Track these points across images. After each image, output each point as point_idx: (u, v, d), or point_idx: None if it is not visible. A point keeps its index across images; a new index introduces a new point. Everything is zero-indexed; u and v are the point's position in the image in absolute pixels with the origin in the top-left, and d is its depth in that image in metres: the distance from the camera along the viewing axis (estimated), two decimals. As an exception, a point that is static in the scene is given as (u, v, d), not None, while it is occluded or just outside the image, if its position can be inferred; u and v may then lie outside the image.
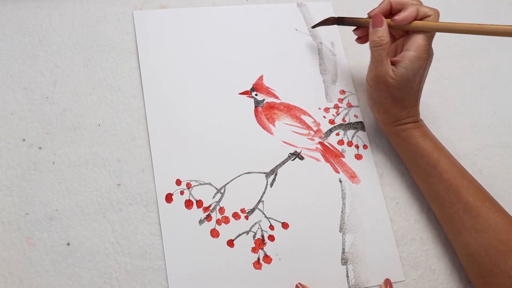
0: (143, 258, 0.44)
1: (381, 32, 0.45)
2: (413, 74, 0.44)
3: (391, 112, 0.47)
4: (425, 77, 0.47)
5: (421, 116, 0.54)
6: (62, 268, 0.43)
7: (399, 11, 0.45)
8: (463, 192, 0.44)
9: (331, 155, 0.50)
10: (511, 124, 0.56)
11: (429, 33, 0.44)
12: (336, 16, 0.52)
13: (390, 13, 0.46)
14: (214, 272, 0.44)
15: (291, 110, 0.51)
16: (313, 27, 0.54)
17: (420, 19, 0.44)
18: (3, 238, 0.43)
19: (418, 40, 0.44)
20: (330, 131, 0.51)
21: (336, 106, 0.53)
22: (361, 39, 0.50)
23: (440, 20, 0.45)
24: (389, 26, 0.45)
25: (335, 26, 0.55)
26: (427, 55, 0.44)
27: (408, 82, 0.44)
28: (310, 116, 0.52)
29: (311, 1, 0.57)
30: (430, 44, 0.45)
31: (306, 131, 0.51)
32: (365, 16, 0.48)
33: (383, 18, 0.45)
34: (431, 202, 0.48)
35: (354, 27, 0.50)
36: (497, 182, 0.53)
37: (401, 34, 0.47)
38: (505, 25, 0.41)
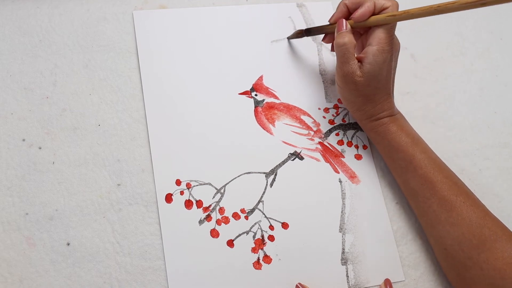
0: (143, 258, 0.44)
1: (345, 33, 0.45)
2: (378, 69, 0.44)
3: (364, 109, 0.47)
4: (394, 69, 0.47)
5: (420, 117, 0.54)
6: (62, 268, 0.43)
7: (357, 9, 0.45)
8: (437, 186, 0.44)
9: (331, 155, 0.50)
10: (511, 124, 0.56)
11: (389, 25, 0.44)
12: (304, 28, 0.52)
13: (349, 13, 0.46)
14: (214, 272, 0.44)
15: (291, 110, 0.51)
16: (289, 38, 0.54)
17: (379, 13, 0.44)
18: (3, 238, 0.43)
19: (378, 34, 0.44)
20: (330, 131, 0.51)
21: (335, 106, 0.53)
22: (332, 47, 0.51)
23: (401, 9, 0.44)
24: (352, 26, 0.46)
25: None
26: (390, 47, 0.44)
27: (375, 77, 0.44)
28: (310, 116, 0.52)
29: (311, 1, 0.57)
30: (392, 36, 0.44)
31: (306, 131, 0.51)
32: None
33: (344, 20, 0.46)
34: (407, 197, 0.48)
35: (322, 39, 0.51)
36: (497, 182, 0.53)
37: (365, 30, 0.47)
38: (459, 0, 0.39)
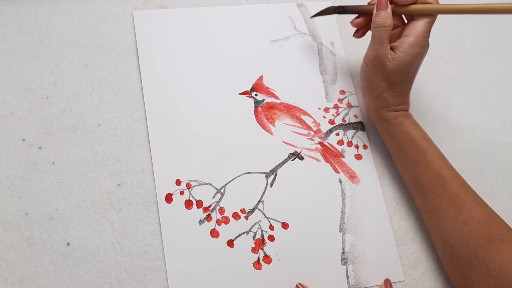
0: (143, 258, 0.44)
1: (385, 14, 0.45)
2: (411, 59, 0.44)
3: (384, 96, 0.47)
4: (419, 67, 0.47)
5: (421, 116, 0.54)
6: (62, 268, 0.43)
7: None
8: (448, 183, 0.44)
9: (331, 155, 0.50)
10: (511, 124, 0.56)
11: (429, 20, 0.45)
12: (335, 5, 0.51)
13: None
14: (214, 272, 0.44)
15: (291, 110, 0.51)
16: (312, 17, 0.54)
17: (421, 3, 0.45)
18: (3, 238, 0.43)
19: (417, 27, 0.45)
20: (330, 131, 0.51)
21: (336, 106, 0.53)
22: (359, 33, 0.50)
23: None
24: (392, 11, 0.46)
25: (335, 25, 0.54)
26: (426, 42, 0.45)
27: (405, 67, 0.45)
28: (310, 116, 0.52)
29: (311, 1, 0.57)
30: (429, 32, 0.45)
31: (306, 131, 0.51)
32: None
33: (387, 1, 0.46)
34: (414, 192, 0.48)
35: (353, 19, 0.49)
36: (497, 182, 0.53)
37: (400, 24, 0.47)
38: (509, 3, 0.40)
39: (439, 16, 0.45)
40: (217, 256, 0.44)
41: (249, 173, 0.48)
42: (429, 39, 0.45)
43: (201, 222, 0.45)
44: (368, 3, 0.48)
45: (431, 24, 0.45)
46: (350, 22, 0.50)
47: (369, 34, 0.52)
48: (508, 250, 0.41)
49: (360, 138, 0.52)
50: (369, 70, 0.47)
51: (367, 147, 0.51)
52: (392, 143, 0.49)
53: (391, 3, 0.46)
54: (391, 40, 0.47)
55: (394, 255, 0.47)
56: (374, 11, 0.46)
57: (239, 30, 0.54)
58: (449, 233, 0.44)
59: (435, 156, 0.45)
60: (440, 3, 0.45)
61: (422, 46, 0.45)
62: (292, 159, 0.49)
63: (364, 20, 0.49)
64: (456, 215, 0.43)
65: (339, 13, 0.50)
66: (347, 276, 0.46)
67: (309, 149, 0.50)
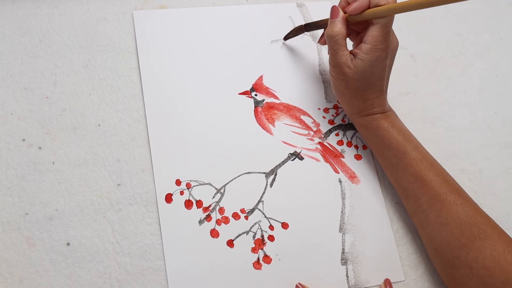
0: (143, 258, 0.44)
1: (335, 23, 0.45)
2: (369, 65, 0.44)
3: (353, 103, 0.47)
4: (390, 67, 0.46)
5: (421, 117, 0.54)
6: (62, 268, 0.43)
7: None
8: (428, 185, 0.44)
9: (330, 155, 0.50)
10: (511, 124, 0.56)
11: (384, 22, 0.43)
12: (302, 24, 0.52)
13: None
14: (214, 272, 0.44)
15: (290, 110, 0.51)
16: (285, 39, 0.54)
17: (374, 6, 0.43)
18: (3, 238, 0.43)
19: (373, 32, 0.43)
20: (330, 131, 0.51)
21: (335, 107, 0.53)
22: (322, 41, 0.50)
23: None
24: (347, 20, 0.45)
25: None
26: (384, 45, 0.43)
27: (365, 73, 0.44)
28: (309, 116, 0.52)
29: (311, 1, 0.57)
30: (386, 34, 0.43)
31: (306, 132, 0.51)
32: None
33: (339, 9, 0.45)
34: (400, 196, 0.48)
35: (319, 39, 0.50)
36: (497, 182, 0.53)
37: (363, 27, 0.46)
38: None
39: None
40: (217, 256, 0.44)
41: (249, 173, 0.48)
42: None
43: (201, 222, 0.45)
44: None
45: (387, 26, 0.43)
46: (318, 42, 0.51)
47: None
48: (491, 249, 0.41)
49: (359, 138, 0.52)
50: (333, 79, 0.47)
51: (366, 147, 0.51)
52: (372, 147, 0.49)
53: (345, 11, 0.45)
54: (355, 46, 0.47)
55: (394, 255, 0.47)
56: (329, 22, 0.46)
57: (239, 30, 0.54)
58: (431, 236, 0.44)
59: (413, 158, 0.45)
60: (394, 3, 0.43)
61: (381, 50, 0.43)
62: (292, 159, 0.49)
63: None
64: (437, 217, 0.43)
65: (307, 30, 0.51)
66: (347, 276, 0.46)
67: (309, 149, 0.50)
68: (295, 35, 0.53)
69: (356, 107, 0.47)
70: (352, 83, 0.45)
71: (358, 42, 0.48)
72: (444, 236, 0.43)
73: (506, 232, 0.42)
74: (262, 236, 0.46)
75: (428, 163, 0.45)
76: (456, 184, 0.45)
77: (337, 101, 0.52)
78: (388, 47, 0.44)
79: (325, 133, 0.51)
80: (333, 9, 0.45)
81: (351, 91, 0.46)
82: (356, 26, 0.47)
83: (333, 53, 0.45)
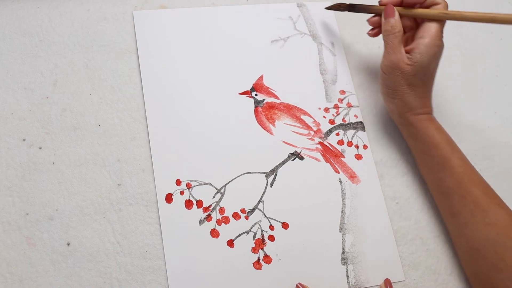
0: (143, 258, 0.44)
1: (393, 22, 0.46)
2: (428, 60, 0.45)
3: (406, 99, 0.47)
4: (437, 69, 0.47)
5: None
6: (62, 268, 0.43)
7: None
8: (474, 187, 0.44)
9: (331, 155, 0.50)
10: (511, 124, 0.56)
11: (441, 21, 0.45)
12: (348, 3, 0.52)
13: (401, 2, 0.48)
14: (214, 272, 0.44)
15: (291, 110, 0.51)
16: (327, 8, 0.54)
17: (427, 8, 0.46)
18: (3, 238, 0.43)
19: (431, 28, 0.45)
20: (330, 131, 0.51)
21: (336, 106, 0.53)
22: (374, 31, 0.51)
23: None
24: (400, 15, 0.47)
25: (335, 25, 0.55)
26: (440, 42, 0.46)
27: (423, 68, 0.45)
28: (310, 116, 0.52)
29: (311, 1, 0.57)
30: (442, 32, 0.46)
31: (306, 131, 0.51)
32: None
33: (394, 8, 0.47)
34: (439, 195, 0.48)
35: (368, 18, 0.51)
36: (497, 182, 0.52)
37: (410, 27, 0.48)
38: None
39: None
40: (217, 256, 0.44)
41: (249, 173, 0.48)
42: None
43: (201, 222, 0.45)
44: (379, 3, 0.49)
45: (443, 25, 0.46)
46: (367, 20, 0.51)
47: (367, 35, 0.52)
48: None
49: (360, 138, 0.52)
50: (387, 77, 0.47)
51: (367, 147, 0.51)
52: (416, 146, 0.49)
53: (399, 5, 0.47)
54: (406, 44, 0.48)
55: (394, 255, 0.47)
56: (383, 19, 0.47)
57: (239, 30, 0.54)
58: (475, 236, 0.44)
59: (460, 160, 0.46)
60: (448, 8, 0.46)
61: (438, 46, 0.45)
62: (292, 159, 0.49)
63: (377, 21, 0.50)
64: (483, 217, 0.43)
65: (350, 11, 0.52)
66: (347, 276, 0.46)
67: (309, 149, 0.50)
68: (336, 10, 0.53)
69: (409, 104, 0.47)
70: (408, 79, 0.46)
71: (405, 40, 0.49)
72: (489, 237, 0.42)
73: None
74: (262, 236, 0.46)
75: (471, 167, 0.46)
76: (495, 191, 0.46)
77: (384, 101, 0.51)
78: (443, 46, 0.46)
79: (325, 132, 0.51)
80: (389, 8, 0.47)
81: (407, 87, 0.46)
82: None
83: (392, 48, 0.46)
